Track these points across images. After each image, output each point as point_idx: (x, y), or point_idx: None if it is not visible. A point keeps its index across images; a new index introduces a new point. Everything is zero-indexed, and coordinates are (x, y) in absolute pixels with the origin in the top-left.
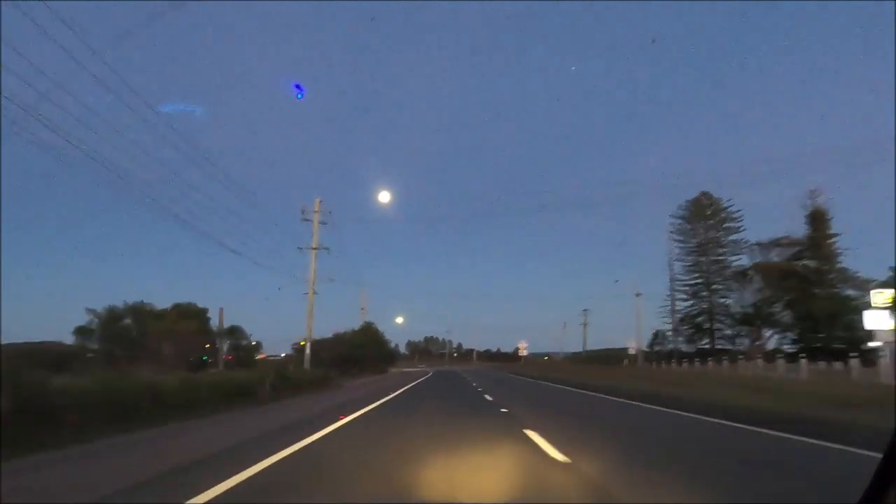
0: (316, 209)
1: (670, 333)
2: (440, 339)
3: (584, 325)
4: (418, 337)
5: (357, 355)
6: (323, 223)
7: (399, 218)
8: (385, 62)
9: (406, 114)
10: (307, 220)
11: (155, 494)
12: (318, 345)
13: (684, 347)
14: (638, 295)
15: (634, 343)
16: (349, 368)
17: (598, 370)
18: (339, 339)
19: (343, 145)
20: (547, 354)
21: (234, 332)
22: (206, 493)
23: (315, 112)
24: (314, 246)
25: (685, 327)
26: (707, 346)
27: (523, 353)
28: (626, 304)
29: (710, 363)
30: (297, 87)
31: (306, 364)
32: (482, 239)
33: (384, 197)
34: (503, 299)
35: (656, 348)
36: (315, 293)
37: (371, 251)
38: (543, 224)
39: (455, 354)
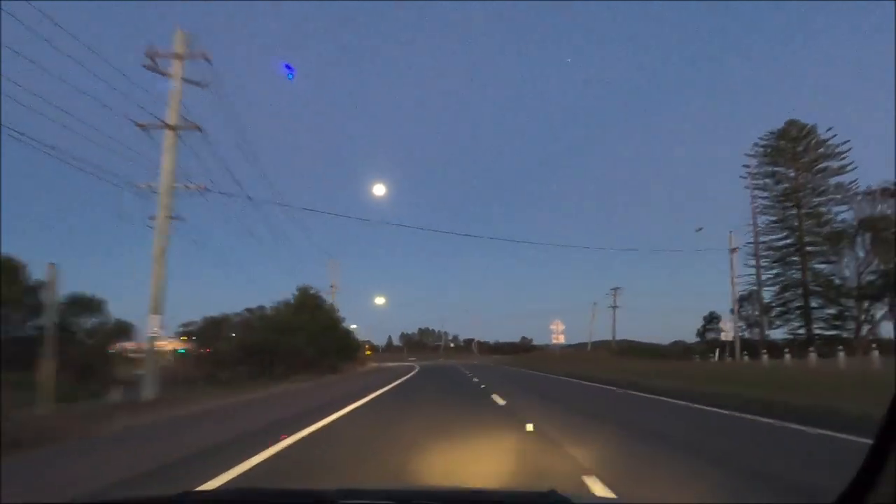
0: (178, 50)
1: (734, 311)
2: (435, 330)
3: (614, 307)
4: (412, 328)
5: (283, 346)
6: (194, 84)
7: (394, 208)
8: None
9: (401, 98)
10: (156, 70)
11: None
12: (217, 327)
13: (748, 334)
14: (734, 251)
15: (730, 325)
16: (274, 367)
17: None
18: (261, 321)
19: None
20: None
21: (81, 304)
22: None
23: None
24: (170, 122)
25: (768, 305)
26: (802, 332)
27: (559, 339)
28: (662, 285)
29: (842, 356)
30: (288, 66)
31: (149, 363)
32: (478, 221)
33: (379, 189)
34: (508, 283)
35: (710, 335)
36: (174, 218)
37: (364, 239)
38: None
39: (452, 346)
